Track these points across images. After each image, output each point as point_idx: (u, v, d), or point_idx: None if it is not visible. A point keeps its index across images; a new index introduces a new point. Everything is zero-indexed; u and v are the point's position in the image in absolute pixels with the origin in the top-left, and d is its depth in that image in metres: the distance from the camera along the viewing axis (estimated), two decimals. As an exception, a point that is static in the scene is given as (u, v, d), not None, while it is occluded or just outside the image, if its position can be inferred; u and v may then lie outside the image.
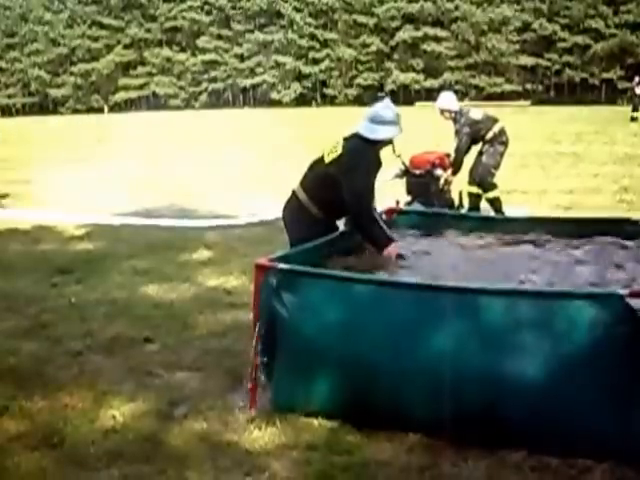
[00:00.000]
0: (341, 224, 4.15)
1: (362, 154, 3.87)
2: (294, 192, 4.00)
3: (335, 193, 3.83)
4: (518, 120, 22.12)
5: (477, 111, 7.40)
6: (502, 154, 7.24)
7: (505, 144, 7.23)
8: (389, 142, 4.01)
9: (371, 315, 3.03)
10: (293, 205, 3.99)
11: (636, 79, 26.37)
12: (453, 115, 7.19)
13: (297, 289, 3.16)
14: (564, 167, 12.07)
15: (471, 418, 2.84)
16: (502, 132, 7.23)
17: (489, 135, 7.17)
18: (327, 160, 3.90)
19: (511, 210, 7.08)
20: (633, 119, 24.11)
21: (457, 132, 7.12)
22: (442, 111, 7.28)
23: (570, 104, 40.69)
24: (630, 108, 25.63)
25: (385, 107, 3.98)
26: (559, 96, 49.04)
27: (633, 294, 2.68)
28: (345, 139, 3.96)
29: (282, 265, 3.20)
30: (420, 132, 11.35)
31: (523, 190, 9.25)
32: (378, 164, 4.00)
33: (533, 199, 8.68)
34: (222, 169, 12.77)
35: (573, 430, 2.73)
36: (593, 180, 10.50)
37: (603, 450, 2.67)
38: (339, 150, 3.88)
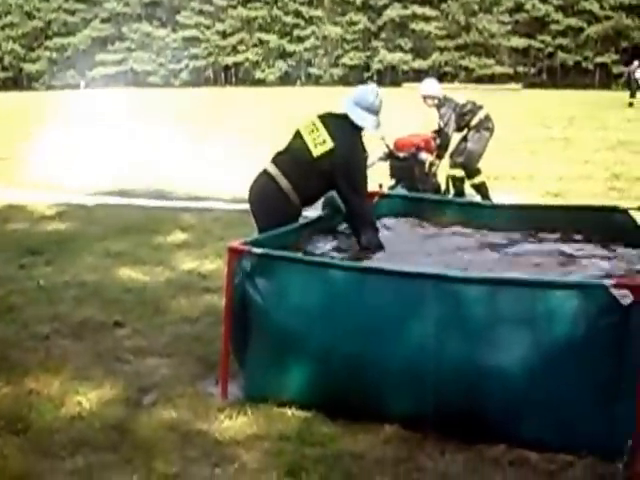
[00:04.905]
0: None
1: (356, 147, 3.76)
2: (271, 177, 3.77)
3: (322, 184, 3.75)
4: (509, 104, 22.10)
5: (461, 97, 7.35)
6: (487, 140, 7.21)
7: (490, 130, 7.21)
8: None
9: (348, 302, 2.95)
10: (269, 189, 3.78)
11: (635, 63, 25.63)
12: (436, 102, 7.12)
13: (272, 274, 3.08)
14: (554, 153, 11.94)
15: (450, 410, 2.78)
16: (487, 118, 7.20)
17: (474, 121, 7.14)
18: (315, 153, 3.69)
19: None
20: (630, 104, 23.50)
21: (442, 116, 7.05)
22: (425, 98, 7.19)
23: (563, 88, 40.41)
24: (628, 93, 24.87)
25: (373, 93, 3.86)
26: (551, 79, 48.34)
27: (618, 285, 2.62)
28: (327, 120, 3.77)
29: (256, 249, 3.10)
30: (407, 114, 11.24)
31: (511, 176, 9.18)
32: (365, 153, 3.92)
33: (521, 185, 8.62)
34: (201, 149, 12.58)
35: (555, 424, 2.67)
36: (584, 167, 10.41)
37: (585, 445, 2.61)
38: (326, 139, 3.68)
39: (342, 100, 3.85)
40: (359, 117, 3.77)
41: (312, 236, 3.82)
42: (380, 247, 3.76)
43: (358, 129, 3.79)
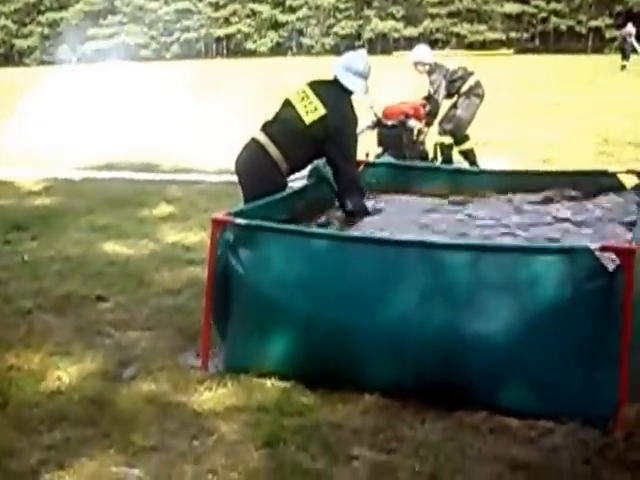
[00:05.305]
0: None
1: (348, 113, 3.76)
2: (260, 145, 3.71)
3: (312, 152, 3.75)
4: (500, 69, 21.79)
5: (452, 63, 7.25)
6: (477, 107, 7.13)
7: (481, 97, 7.12)
8: None
9: (331, 272, 2.90)
10: (258, 157, 3.72)
11: (629, 25, 25.51)
12: (427, 68, 7.03)
13: (255, 245, 3.03)
14: (544, 118, 11.76)
15: (432, 378, 2.73)
16: (478, 84, 7.11)
17: (465, 88, 7.05)
18: (308, 121, 3.66)
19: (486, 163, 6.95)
20: (623, 67, 23.38)
21: (432, 83, 6.96)
22: (416, 64, 7.10)
23: (555, 53, 39.84)
24: (620, 57, 24.68)
25: (362, 59, 3.88)
26: (544, 44, 47.64)
27: (604, 248, 2.56)
28: (317, 87, 3.75)
29: (239, 220, 3.05)
30: (397, 82, 11.08)
31: (500, 142, 9.06)
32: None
33: (510, 151, 8.48)
34: (189, 121, 12.41)
35: (537, 390, 2.62)
36: (574, 131, 10.28)
37: (567, 411, 2.56)
38: (317, 105, 3.66)
39: (332, 66, 3.85)
40: (350, 82, 3.78)
41: (297, 206, 3.75)
42: (365, 211, 3.78)
43: (348, 94, 3.80)
